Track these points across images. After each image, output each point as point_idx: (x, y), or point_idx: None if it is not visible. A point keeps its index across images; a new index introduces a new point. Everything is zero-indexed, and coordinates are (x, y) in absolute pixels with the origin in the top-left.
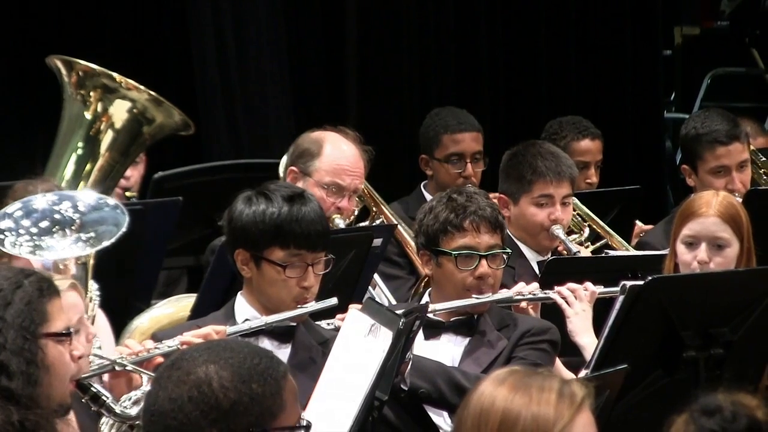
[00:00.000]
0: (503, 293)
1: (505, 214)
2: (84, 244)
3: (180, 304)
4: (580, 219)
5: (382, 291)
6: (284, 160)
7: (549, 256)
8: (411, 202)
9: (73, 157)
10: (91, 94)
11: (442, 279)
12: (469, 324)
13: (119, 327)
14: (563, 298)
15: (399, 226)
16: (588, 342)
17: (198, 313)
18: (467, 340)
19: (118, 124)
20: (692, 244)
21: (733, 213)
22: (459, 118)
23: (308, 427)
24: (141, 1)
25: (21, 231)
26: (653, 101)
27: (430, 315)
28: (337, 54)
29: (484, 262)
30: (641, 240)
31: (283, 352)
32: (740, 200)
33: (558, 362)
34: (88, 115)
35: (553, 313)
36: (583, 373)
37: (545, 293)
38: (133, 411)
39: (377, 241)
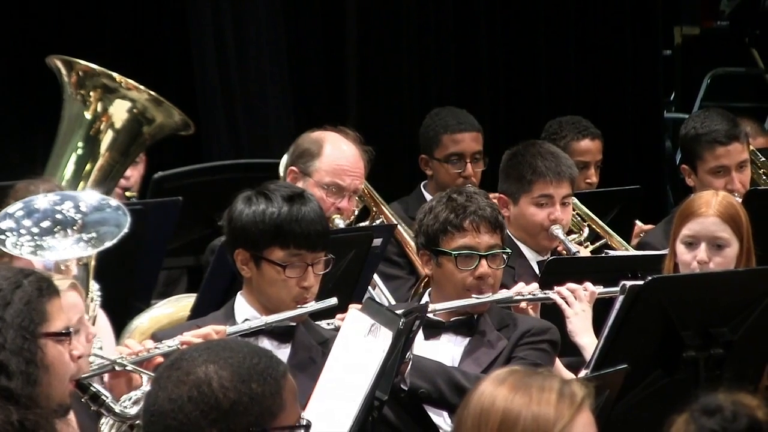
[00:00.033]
0: (503, 293)
1: (504, 214)
2: (85, 244)
3: (180, 304)
4: (579, 219)
5: (381, 291)
6: (284, 160)
7: (549, 256)
8: (411, 202)
9: (73, 157)
10: (91, 94)
11: (442, 279)
12: (469, 324)
13: (119, 327)
14: (563, 298)
15: (399, 226)
16: (588, 342)
17: (198, 313)
18: (467, 340)
19: (118, 124)
20: (692, 244)
21: (732, 213)
22: (459, 118)
23: (308, 426)
24: (141, 1)
25: (22, 231)
26: (653, 101)
27: (430, 315)
28: (336, 54)
29: (484, 262)
30: (642, 240)
31: (283, 352)
32: (740, 200)
33: (558, 362)
34: (88, 115)
35: (553, 313)
36: (583, 373)
37: (545, 293)
38: (133, 411)
39: (377, 241)
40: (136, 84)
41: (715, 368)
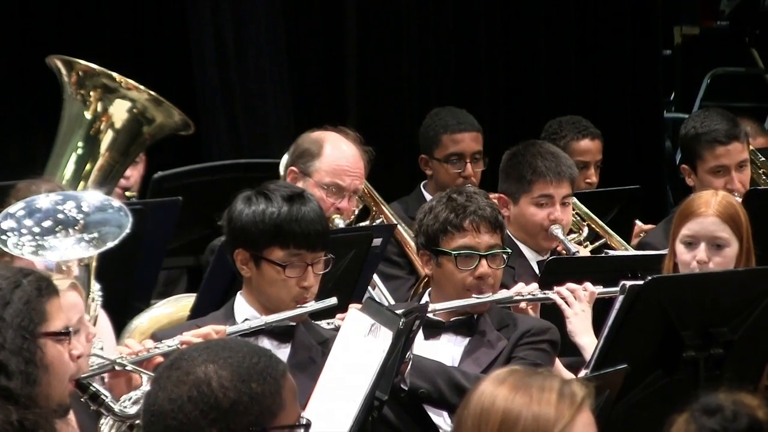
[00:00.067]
0: (503, 293)
1: (504, 214)
2: (87, 244)
3: (179, 304)
4: (579, 219)
5: (381, 291)
6: (284, 159)
7: (548, 256)
8: (411, 202)
9: (73, 157)
10: (91, 93)
11: (442, 279)
12: (469, 324)
13: (119, 327)
14: (563, 298)
15: (399, 226)
16: (588, 342)
17: (198, 313)
18: (467, 340)
19: (118, 124)
20: (691, 243)
21: (732, 213)
22: (459, 118)
23: (308, 425)
24: (141, 1)
25: (23, 231)
26: (653, 101)
27: (430, 315)
28: (336, 54)
29: (484, 261)
30: (642, 240)
31: (283, 352)
32: (740, 200)
33: (557, 362)
34: (88, 115)
35: (553, 313)
36: (582, 373)
37: (545, 293)
38: (133, 410)
39: (377, 241)
40: (136, 84)
41: (715, 368)
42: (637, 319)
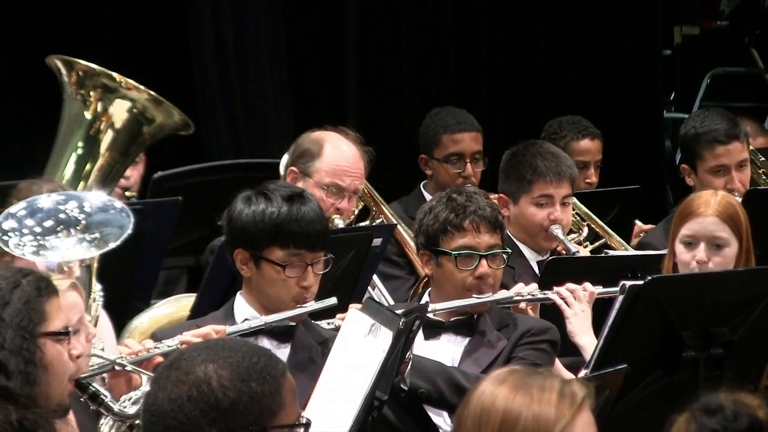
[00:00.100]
0: (503, 293)
1: (504, 214)
2: (88, 244)
3: (179, 304)
4: (579, 219)
5: (380, 291)
6: (284, 160)
7: (548, 256)
8: (410, 202)
9: (73, 157)
10: (91, 93)
11: (442, 279)
12: (469, 324)
13: (119, 327)
14: (562, 298)
15: (398, 226)
16: (587, 342)
17: (197, 313)
18: (467, 340)
19: (118, 124)
20: (691, 243)
21: (731, 212)
22: (458, 118)
23: (308, 424)
24: (141, 1)
25: (24, 231)
26: (653, 101)
27: (430, 315)
28: (336, 54)
29: (484, 261)
30: (642, 240)
31: (283, 352)
32: (739, 200)
33: (557, 362)
34: (88, 115)
35: (553, 313)
36: (582, 373)
37: (544, 294)
38: (132, 410)
39: (377, 241)
40: (136, 84)
41: (715, 368)
42: (637, 319)
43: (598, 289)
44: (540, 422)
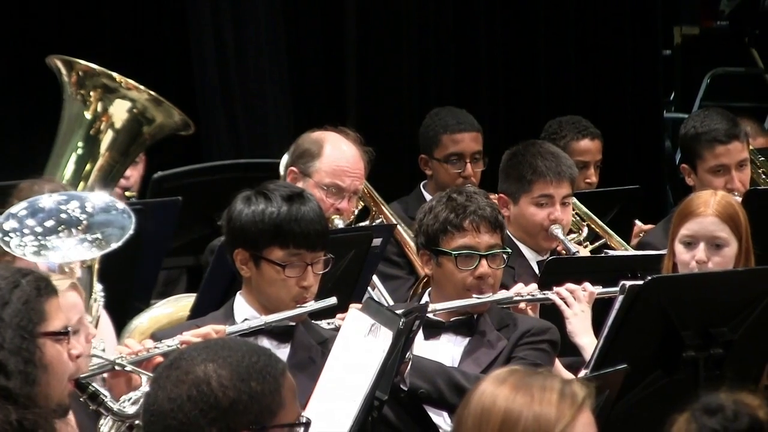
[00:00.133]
0: (503, 294)
1: (504, 214)
2: (90, 244)
3: (179, 304)
4: (579, 219)
5: (380, 292)
6: (284, 160)
7: (548, 256)
8: (410, 202)
9: (73, 157)
10: (91, 93)
11: (442, 279)
12: (469, 324)
13: (119, 327)
14: (562, 299)
15: (398, 226)
16: (587, 342)
17: (197, 313)
18: (467, 340)
19: (118, 124)
20: (690, 243)
21: (731, 212)
22: (458, 118)
23: (308, 424)
24: (141, 1)
25: (25, 231)
26: (653, 101)
27: (430, 315)
28: (336, 54)
29: (484, 261)
30: (642, 240)
31: (283, 352)
32: (739, 200)
33: (557, 362)
34: (88, 115)
35: (553, 313)
36: (582, 373)
37: (544, 294)
38: (132, 410)
39: (377, 241)
40: (136, 84)
41: (714, 368)
42: (637, 319)
43: (598, 289)
44: (541, 422)
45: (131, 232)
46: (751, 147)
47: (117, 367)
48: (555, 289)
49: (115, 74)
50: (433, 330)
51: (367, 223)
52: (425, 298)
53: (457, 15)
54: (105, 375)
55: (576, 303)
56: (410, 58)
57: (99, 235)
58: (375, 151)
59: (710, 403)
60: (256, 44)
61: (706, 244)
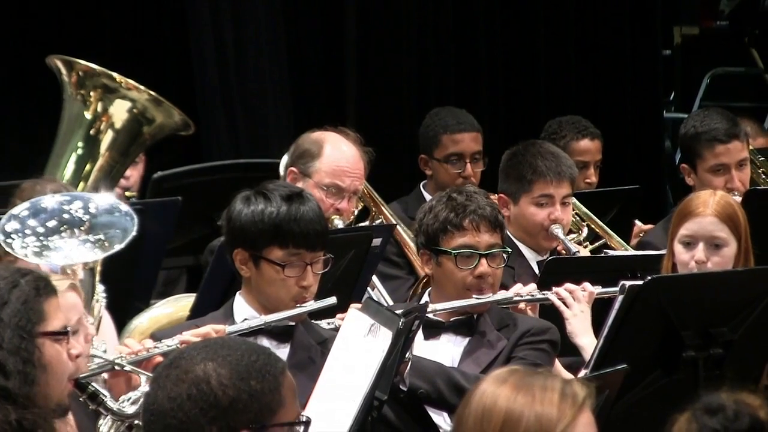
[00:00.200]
0: (502, 294)
1: (504, 214)
2: (92, 245)
3: (179, 304)
4: (578, 219)
5: (380, 292)
6: (284, 160)
7: (548, 256)
8: (410, 202)
9: (73, 157)
10: (91, 94)
11: (442, 278)
12: (469, 324)
13: (119, 327)
14: (561, 299)
15: (398, 226)
16: (587, 343)
17: (197, 313)
18: (467, 340)
19: (118, 124)
20: (690, 243)
21: (730, 212)
22: (458, 118)
23: (308, 423)
24: (141, 1)
25: (27, 231)
26: (653, 101)
27: (430, 315)
28: (336, 54)
29: (483, 261)
30: (642, 240)
31: (282, 352)
32: (739, 199)
33: (557, 363)
34: (88, 115)
35: (553, 313)
36: (582, 373)
37: (544, 294)
38: (131, 410)
39: (376, 241)
40: (136, 84)
41: (714, 368)
42: (637, 319)
43: (598, 289)
44: (542, 422)
45: (134, 234)
46: (751, 147)
47: (116, 367)
48: (554, 289)
49: (115, 74)
50: (433, 330)
51: (367, 223)
52: (425, 298)
53: (456, 15)
54: (105, 375)
55: (575, 303)
56: (410, 58)
57: (101, 236)
58: (375, 151)
59: (711, 402)
60: (256, 44)
61: (705, 244)
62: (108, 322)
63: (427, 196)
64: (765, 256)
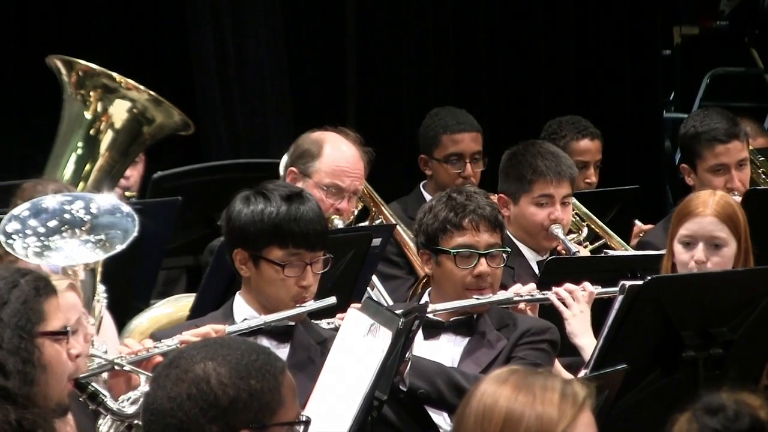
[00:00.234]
0: (503, 294)
1: (504, 214)
2: (93, 245)
3: (179, 304)
4: (578, 219)
5: (380, 292)
6: (284, 160)
7: (548, 256)
8: (410, 202)
9: (73, 157)
10: (91, 94)
11: (442, 278)
12: (469, 324)
13: (119, 327)
14: (561, 299)
15: (398, 226)
16: (587, 343)
17: (197, 313)
18: (467, 340)
19: (118, 124)
20: (689, 243)
21: (730, 212)
22: (458, 118)
23: (307, 422)
24: (140, 1)
25: (28, 232)
26: (652, 101)
27: (430, 315)
28: (336, 54)
29: (483, 260)
30: (642, 239)
31: (282, 352)
32: (739, 199)
33: (556, 363)
34: (88, 115)
35: (552, 313)
36: (582, 373)
37: (543, 294)
38: (131, 410)
39: (376, 241)
40: (136, 84)
41: (714, 368)
42: (637, 319)
43: (598, 290)
44: (543, 422)
45: (135, 235)
46: (751, 147)
47: (116, 367)
48: (554, 289)
49: (115, 74)
50: (433, 330)
51: (366, 223)
52: (425, 298)
53: (456, 15)
54: (106, 375)
55: (575, 304)
56: (409, 58)
57: (103, 237)
58: (375, 151)
59: (711, 402)
60: (256, 44)
61: (704, 244)
62: (109, 323)
63: (427, 196)
64: (765, 256)
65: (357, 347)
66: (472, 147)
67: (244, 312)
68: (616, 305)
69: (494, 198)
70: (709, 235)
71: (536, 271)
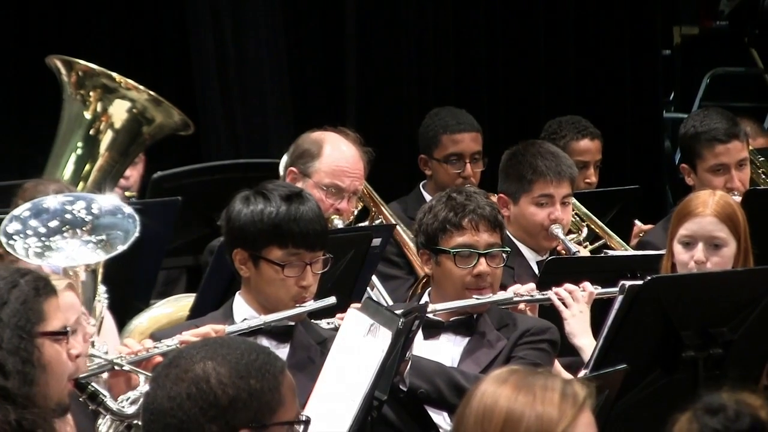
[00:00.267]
0: (503, 294)
1: (504, 214)
2: (94, 246)
3: (179, 304)
4: (578, 219)
5: (379, 292)
6: (284, 160)
7: (548, 256)
8: (410, 202)
9: (73, 157)
10: (91, 94)
11: (442, 278)
12: (469, 324)
13: (119, 327)
14: (560, 299)
15: (398, 226)
16: (586, 343)
17: (197, 313)
18: (466, 339)
19: (117, 124)
20: (689, 243)
21: (729, 212)
22: (458, 119)
23: (307, 422)
24: (140, 1)
25: (29, 232)
26: (652, 101)
27: (430, 315)
28: (336, 54)
29: (482, 260)
30: (642, 239)
31: (282, 352)
32: (739, 199)
33: (556, 363)
34: (87, 115)
35: (552, 313)
36: (582, 373)
37: (543, 294)
38: (131, 410)
39: (376, 241)
40: (136, 84)
41: (714, 368)
42: (637, 319)
43: (597, 290)
44: (543, 422)
45: (136, 236)
46: (750, 147)
47: (116, 367)
48: (554, 289)
49: (115, 74)
50: (433, 330)
51: (366, 223)
52: (425, 298)
53: (456, 15)
54: (106, 375)
55: (574, 304)
56: (409, 59)
57: (104, 237)
58: (375, 151)
59: (712, 402)
60: (256, 44)
61: (704, 244)
62: (110, 323)
63: (427, 196)
64: (765, 256)
65: (357, 347)
66: (472, 147)
67: (244, 312)
68: (616, 305)
69: (494, 198)
70: (708, 235)
71: (536, 271)
